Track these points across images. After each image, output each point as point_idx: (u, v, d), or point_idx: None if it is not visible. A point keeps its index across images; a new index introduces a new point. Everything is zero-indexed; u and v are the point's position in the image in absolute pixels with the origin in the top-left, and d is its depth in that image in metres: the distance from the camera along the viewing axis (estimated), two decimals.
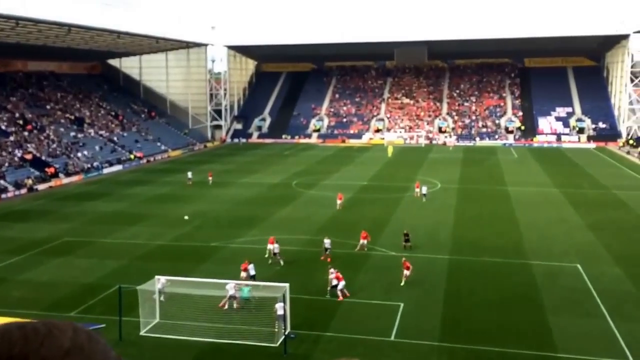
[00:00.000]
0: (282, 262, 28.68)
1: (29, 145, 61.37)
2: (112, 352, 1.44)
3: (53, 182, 55.23)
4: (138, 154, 70.48)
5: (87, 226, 37.63)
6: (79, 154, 64.31)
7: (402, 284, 25.45)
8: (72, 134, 69.08)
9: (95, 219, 39.57)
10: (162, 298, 22.99)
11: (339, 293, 24.18)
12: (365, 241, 30.85)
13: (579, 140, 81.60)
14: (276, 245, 29.17)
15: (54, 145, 63.99)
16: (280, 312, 20.93)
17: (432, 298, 24.29)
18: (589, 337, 20.59)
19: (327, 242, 29.60)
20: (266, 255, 29.53)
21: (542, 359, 19.08)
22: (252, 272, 25.76)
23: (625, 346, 19.73)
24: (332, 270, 24.92)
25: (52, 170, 57.30)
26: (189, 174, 53.60)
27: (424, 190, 43.65)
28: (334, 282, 24.33)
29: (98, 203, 45.39)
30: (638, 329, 21.17)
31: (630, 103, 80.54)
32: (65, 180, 56.81)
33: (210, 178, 53.14)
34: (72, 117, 73.59)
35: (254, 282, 24.18)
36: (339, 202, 40.87)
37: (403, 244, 30.77)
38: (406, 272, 25.54)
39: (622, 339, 20.23)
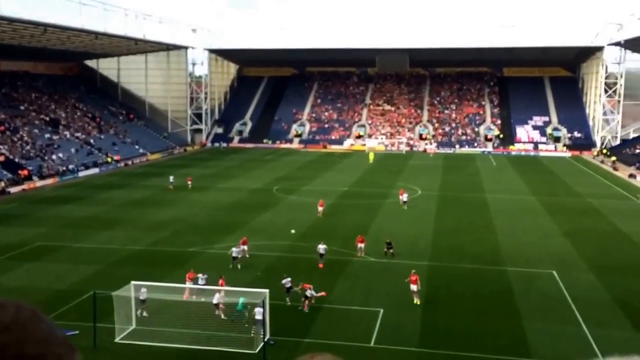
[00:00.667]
0: (239, 266, 28.66)
1: (1, 146, 59.97)
2: (59, 331, 1.38)
3: (26, 185, 54.03)
4: (115, 157, 69.43)
5: (62, 230, 36.86)
6: (54, 156, 63.08)
7: (415, 302, 23.64)
8: (47, 135, 67.77)
9: (70, 223, 38.79)
10: (143, 313, 22.39)
11: (305, 301, 23.54)
12: (363, 245, 30.81)
13: (556, 149, 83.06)
14: (236, 249, 29.17)
15: (28, 147, 62.69)
16: (258, 317, 20.73)
17: (411, 304, 24.31)
18: (564, 343, 20.86)
19: (321, 247, 29.28)
20: (247, 256, 29.81)
21: None
22: (202, 282, 24.62)
23: (598, 351, 20.02)
24: (287, 278, 24.34)
25: (25, 172, 56.07)
26: (171, 178, 52.69)
27: (405, 197, 43.70)
28: (288, 285, 24.03)
29: (73, 207, 44.55)
30: (611, 335, 21.52)
31: (604, 113, 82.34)
32: (39, 183, 55.64)
33: (189, 182, 52.57)
34: (47, 119, 72.23)
35: (236, 289, 23.80)
36: (320, 209, 40.41)
37: (385, 251, 30.76)
38: (413, 287, 23.82)
39: (595, 345, 20.54)
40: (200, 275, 25.19)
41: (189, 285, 24.69)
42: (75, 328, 21.50)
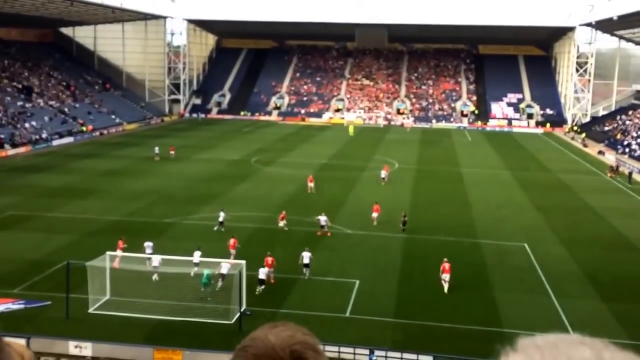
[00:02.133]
0: (222, 229, 29.33)
1: None
2: None
3: None
4: (87, 127, 67.74)
5: (34, 199, 36.19)
6: (27, 125, 61.52)
7: (445, 291, 22.83)
8: (20, 103, 65.94)
9: (43, 192, 38.09)
10: (154, 277, 22.88)
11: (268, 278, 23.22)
12: (377, 214, 31.32)
13: (528, 125, 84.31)
14: (223, 214, 30.04)
15: (0, 115, 61.01)
16: (224, 271, 22.08)
17: (387, 276, 24.72)
18: (534, 313, 21.50)
19: (322, 218, 29.51)
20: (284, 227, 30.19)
21: (489, 334, 19.79)
22: (149, 252, 24.18)
23: (567, 321, 20.71)
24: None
25: None
26: (156, 149, 51.36)
27: (383, 174, 42.91)
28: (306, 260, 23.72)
29: (47, 176, 43.70)
30: (579, 305, 22.27)
31: (576, 92, 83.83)
32: (11, 152, 54.33)
33: (172, 152, 51.71)
34: (20, 86, 70.17)
35: (213, 260, 23.73)
36: (310, 184, 39.16)
37: (401, 227, 30.49)
38: (445, 276, 23.05)
39: (564, 315, 21.22)
40: (146, 243, 24.90)
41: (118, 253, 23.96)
42: (48, 298, 21.29)
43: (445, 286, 23.07)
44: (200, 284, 22.23)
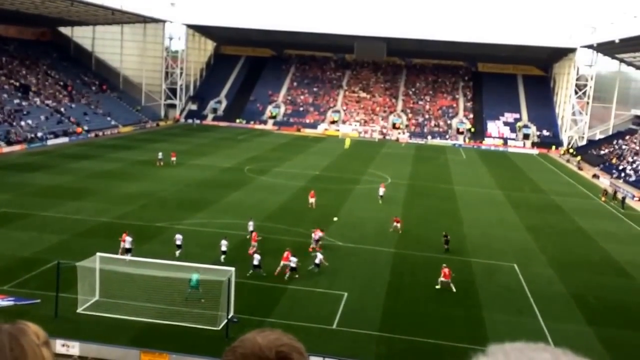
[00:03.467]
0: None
1: None
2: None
3: None
4: (77, 129, 67.30)
5: (27, 198, 36.14)
6: (23, 123, 61.44)
7: (453, 290, 24.84)
8: (16, 101, 65.88)
9: (36, 191, 38.05)
10: (177, 253, 25.92)
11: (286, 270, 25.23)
12: (399, 224, 33.18)
13: (524, 146, 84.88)
14: (252, 223, 30.53)
15: None
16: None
17: (375, 289, 24.83)
18: (520, 334, 21.54)
19: (314, 234, 29.89)
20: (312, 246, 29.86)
21: (475, 353, 19.87)
22: (128, 246, 25.97)
23: (552, 344, 20.66)
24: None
25: None
26: (160, 155, 51.08)
27: (381, 192, 42.30)
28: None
29: (40, 175, 43.65)
30: (565, 328, 22.43)
31: (573, 114, 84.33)
32: (6, 150, 54.25)
33: (173, 158, 51.57)
34: (17, 84, 70.12)
35: (200, 265, 23.78)
36: (311, 200, 38.50)
37: (445, 247, 30.51)
38: (441, 279, 24.88)
39: (550, 337, 21.34)
40: (127, 237, 26.10)
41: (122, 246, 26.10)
42: (37, 297, 21.27)
43: (452, 286, 24.76)
44: (188, 286, 22.31)
